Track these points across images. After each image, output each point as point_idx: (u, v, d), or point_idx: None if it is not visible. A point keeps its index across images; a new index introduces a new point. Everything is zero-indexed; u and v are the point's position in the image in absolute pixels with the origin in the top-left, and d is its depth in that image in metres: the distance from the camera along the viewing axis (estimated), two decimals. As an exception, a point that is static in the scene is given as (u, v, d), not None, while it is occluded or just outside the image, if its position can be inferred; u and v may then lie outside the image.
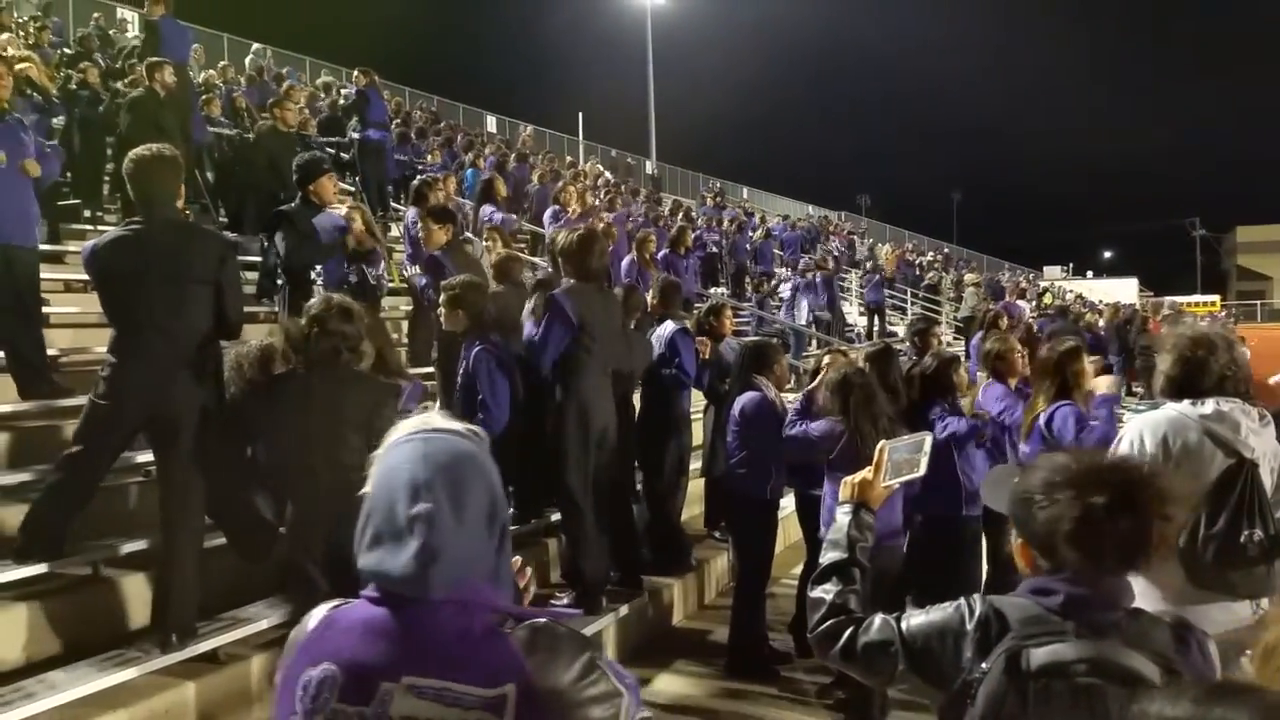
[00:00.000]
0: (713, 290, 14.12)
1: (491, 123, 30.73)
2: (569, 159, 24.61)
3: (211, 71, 14.75)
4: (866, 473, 2.10)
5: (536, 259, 10.06)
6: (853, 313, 19.81)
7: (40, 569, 3.89)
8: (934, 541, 4.76)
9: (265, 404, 3.83)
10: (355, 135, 11.98)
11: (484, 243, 8.11)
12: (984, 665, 1.61)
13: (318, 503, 3.64)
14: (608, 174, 23.13)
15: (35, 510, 3.92)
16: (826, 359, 5.23)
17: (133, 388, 3.74)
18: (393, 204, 12.32)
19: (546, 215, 11.31)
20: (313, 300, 3.96)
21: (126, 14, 18.95)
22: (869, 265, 22.05)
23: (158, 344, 3.74)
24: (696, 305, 8.94)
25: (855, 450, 4.25)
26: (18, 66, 7.17)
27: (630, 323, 6.06)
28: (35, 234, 5.39)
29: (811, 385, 4.93)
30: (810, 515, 5.07)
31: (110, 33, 16.41)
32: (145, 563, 4.18)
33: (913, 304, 21.44)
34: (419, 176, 10.76)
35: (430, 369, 6.38)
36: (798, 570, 6.45)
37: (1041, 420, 4.47)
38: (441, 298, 5.24)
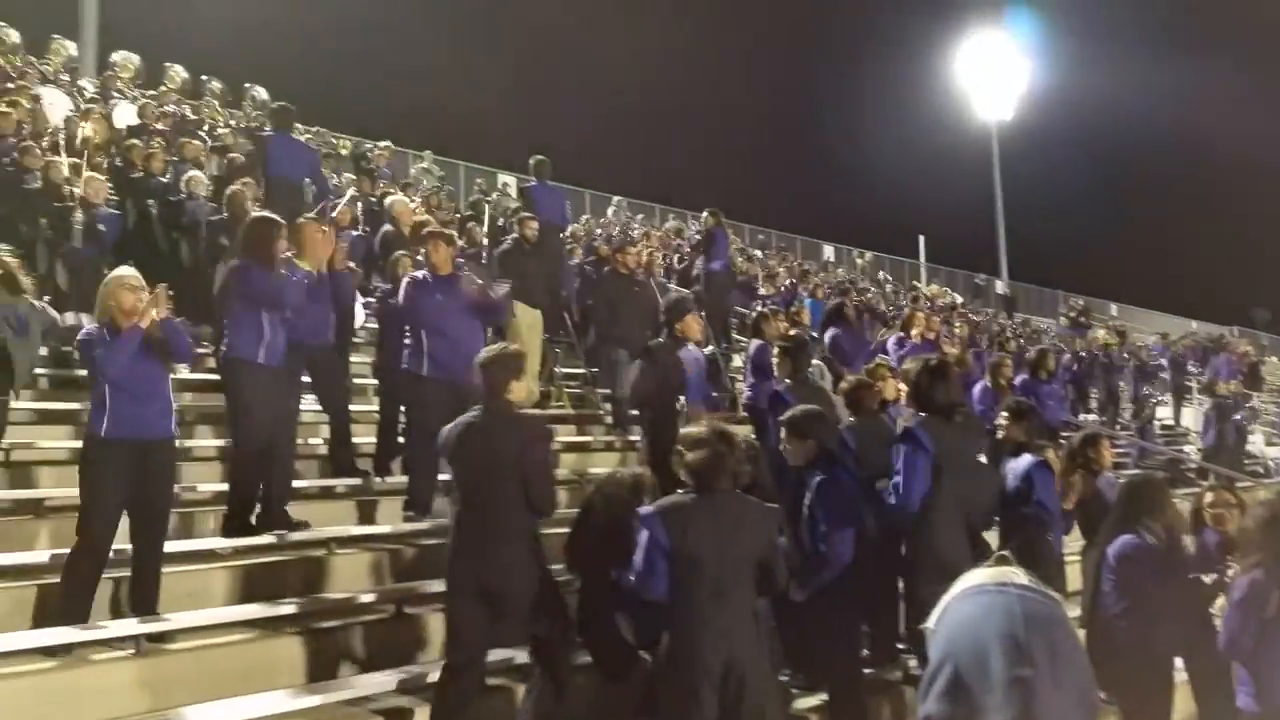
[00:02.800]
0: (1083, 418, 12.85)
1: (829, 252, 30.85)
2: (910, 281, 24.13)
3: (576, 225, 16.46)
4: None
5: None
6: (1258, 441, 17.12)
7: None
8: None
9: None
10: (701, 271, 12.64)
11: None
12: None
13: (707, 630, 3.56)
14: (955, 295, 22.29)
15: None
16: (1210, 497, 4.75)
17: (466, 565, 4.09)
18: (735, 336, 12.74)
19: (891, 342, 11.01)
20: (693, 426, 4.04)
21: (508, 179, 21.77)
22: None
23: (479, 521, 4.10)
24: (1065, 435, 8.11)
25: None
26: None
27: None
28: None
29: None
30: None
31: (492, 196, 18.94)
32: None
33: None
34: (760, 309, 11.09)
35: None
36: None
37: None
38: (782, 430, 5.19)
